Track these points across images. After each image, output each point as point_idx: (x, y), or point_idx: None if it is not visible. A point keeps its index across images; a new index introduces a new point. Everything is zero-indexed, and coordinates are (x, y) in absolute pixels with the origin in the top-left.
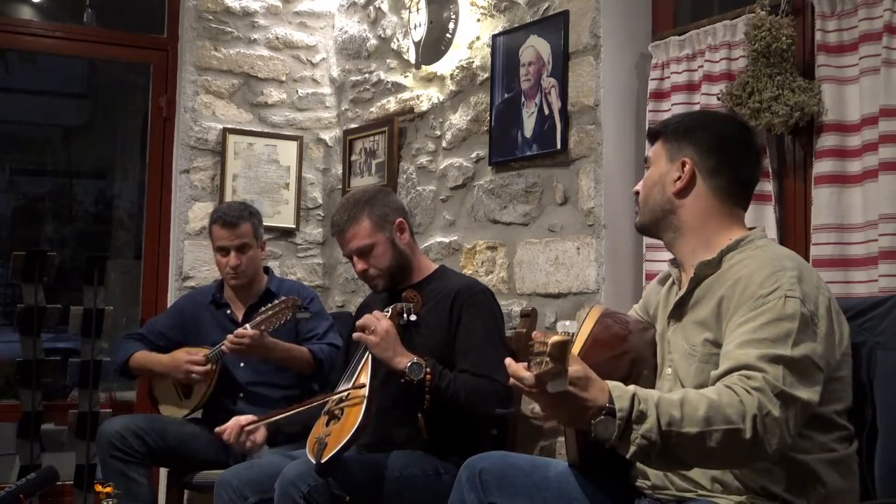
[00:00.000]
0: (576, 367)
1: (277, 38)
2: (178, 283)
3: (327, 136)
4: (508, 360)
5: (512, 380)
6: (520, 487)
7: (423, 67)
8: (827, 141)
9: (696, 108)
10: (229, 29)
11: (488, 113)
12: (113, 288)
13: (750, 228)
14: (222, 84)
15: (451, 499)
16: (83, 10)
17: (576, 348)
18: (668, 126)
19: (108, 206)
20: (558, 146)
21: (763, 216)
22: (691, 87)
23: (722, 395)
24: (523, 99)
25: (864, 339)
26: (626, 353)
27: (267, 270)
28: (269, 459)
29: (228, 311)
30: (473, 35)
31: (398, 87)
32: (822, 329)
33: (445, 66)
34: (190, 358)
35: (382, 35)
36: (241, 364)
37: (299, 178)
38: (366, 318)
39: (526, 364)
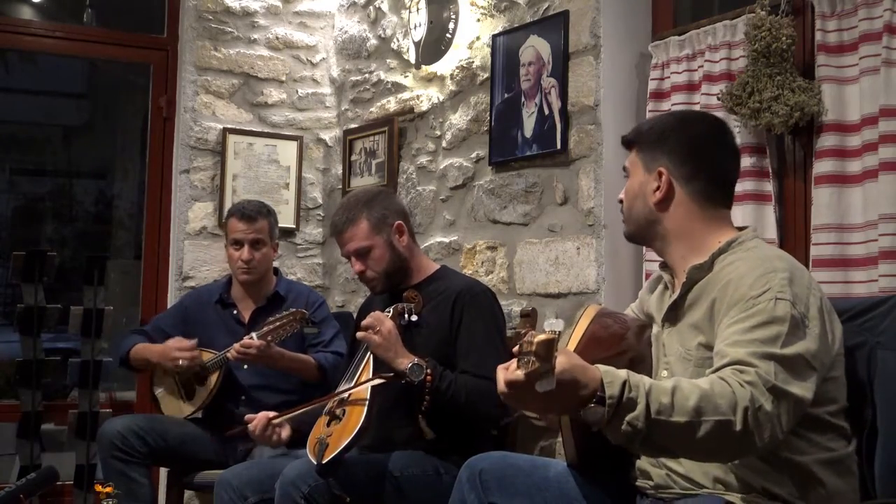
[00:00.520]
0: (562, 359)
1: (277, 38)
2: (178, 283)
3: (327, 136)
4: (498, 371)
5: (500, 387)
6: (520, 487)
7: (423, 67)
8: (827, 141)
9: (696, 108)
10: (229, 29)
11: (488, 113)
12: (113, 288)
13: (740, 228)
14: (222, 84)
15: (451, 499)
16: (83, 10)
17: (571, 347)
18: (640, 134)
19: (108, 206)
20: (558, 146)
21: (763, 216)
22: (691, 87)
23: (714, 385)
24: (523, 99)
25: (864, 339)
26: (624, 353)
27: (276, 272)
28: (270, 459)
29: (235, 312)
30: (473, 35)
31: (398, 87)
32: (816, 329)
33: (445, 66)
34: (177, 345)
35: (382, 35)
36: (245, 366)
37: (299, 178)
38: (369, 319)
39: (515, 363)
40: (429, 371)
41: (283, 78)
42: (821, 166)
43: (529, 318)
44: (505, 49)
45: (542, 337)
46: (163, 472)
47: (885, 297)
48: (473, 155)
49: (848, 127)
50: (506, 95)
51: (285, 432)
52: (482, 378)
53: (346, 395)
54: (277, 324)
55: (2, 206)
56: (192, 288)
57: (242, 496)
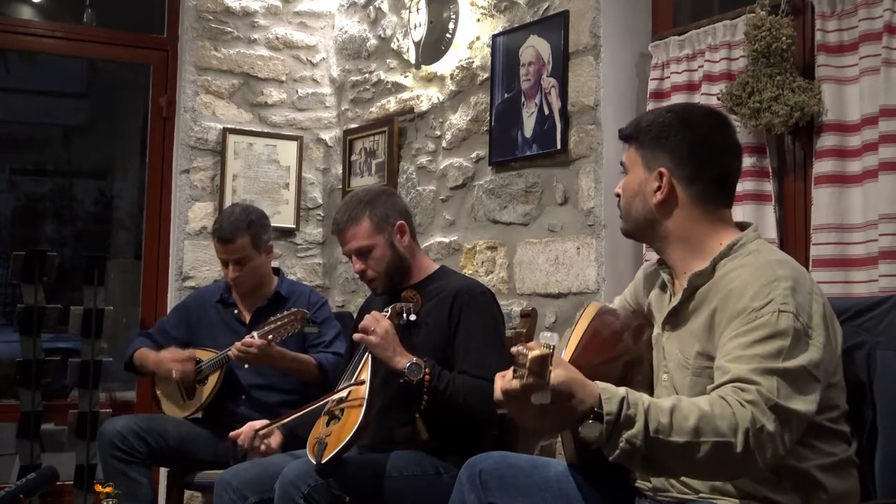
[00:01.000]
0: (558, 372)
1: (277, 38)
2: (178, 283)
3: (327, 136)
4: (496, 378)
5: (497, 394)
6: (520, 487)
7: (423, 67)
8: (827, 141)
9: None
10: (229, 29)
11: (488, 113)
12: (113, 288)
13: (740, 224)
14: (222, 84)
15: (451, 499)
16: (83, 10)
17: (568, 351)
18: (640, 130)
19: (108, 206)
20: (558, 146)
21: (763, 216)
22: (691, 87)
23: (714, 405)
24: (523, 99)
25: (864, 339)
26: (621, 357)
27: (277, 272)
28: (270, 459)
29: (236, 312)
30: (473, 35)
31: (398, 87)
32: (820, 338)
33: (445, 66)
34: (171, 355)
35: (382, 35)
36: (245, 366)
37: (299, 178)
38: (366, 320)
39: (511, 372)
40: (427, 370)
41: (283, 78)
42: (821, 166)
43: (529, 318)
44: (505, 49)
45: (535, 353)
46: (163, 472)
47: (884, 297)
48: (473, 155)
49: (848, 127)
50: (506, 95)
51: (275, 440)
52: (480, 378)
53: (344, 393)
54: (279, 323)
55: (2, 206)
56: (192, 288)
57: (242, 496)
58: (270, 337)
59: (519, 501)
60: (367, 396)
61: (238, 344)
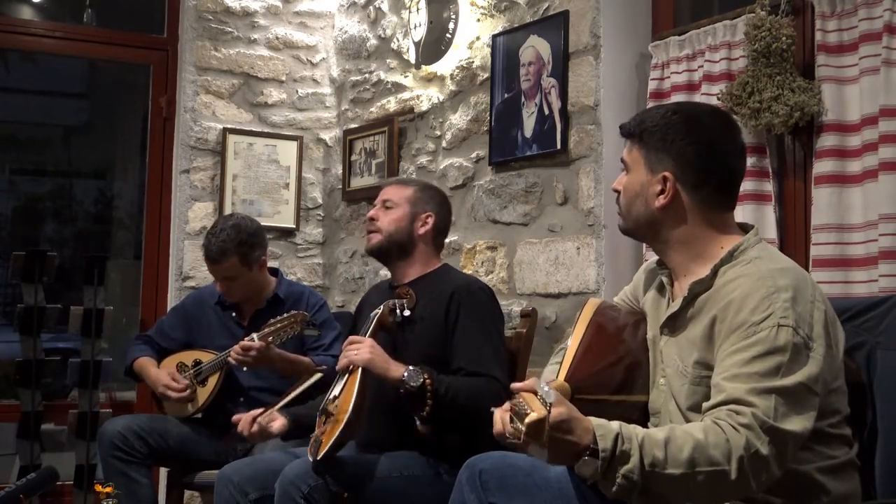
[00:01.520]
0: (559, 410)
1: (277, 38)
2: (178, 283)
3: (327, 136)
4: (496, 412)
5: (497, 428)
6: (520, 487)
7: (423, 67)
8: (827, 141)
9: None
10: (229, 29)
11: (488, 113)
12: (113, 288)
13: (742, 226)
14: (222, 84)
15: (451, 499)
16: (83, 10)
17: (576, 339)
18: (644, 129)
19: (108, 206)
20: (558, 146)
21: (763, 216)
22: (691, 87)
23: (709, 433)
24: (523, 99)
25: (864, 339)
26: (622, 359)
27: (276, 272)
28: (270, 455)
29: (234, 314)
30: (473, 35)
31: (398, 87)
32: (820, 350)
33: (445, 66)
34: (167, 382)
35: (382, 35)
36: (245, 368)
37: (299, 178)
38: (348, 344)
39: (508, 418)
40: (426, 375)
41: (283, 78)
42: (821, 166)
43: (529, 318)
44: (505, 49)
45: (532, 418)
46: (163, 472)
47: (884, 297)
48: (473, 155)
49: (848, 127)
50: (506, 95)
51: (278, 423)
52: (477, 375)
53: (337, 391)
54: (278, 326)
55: (2, 206)
56: (192, 288)
57: (243, 492)
58: (270, 339)
59: (519, 501)
60: (356, 391)
61: (236, 347)
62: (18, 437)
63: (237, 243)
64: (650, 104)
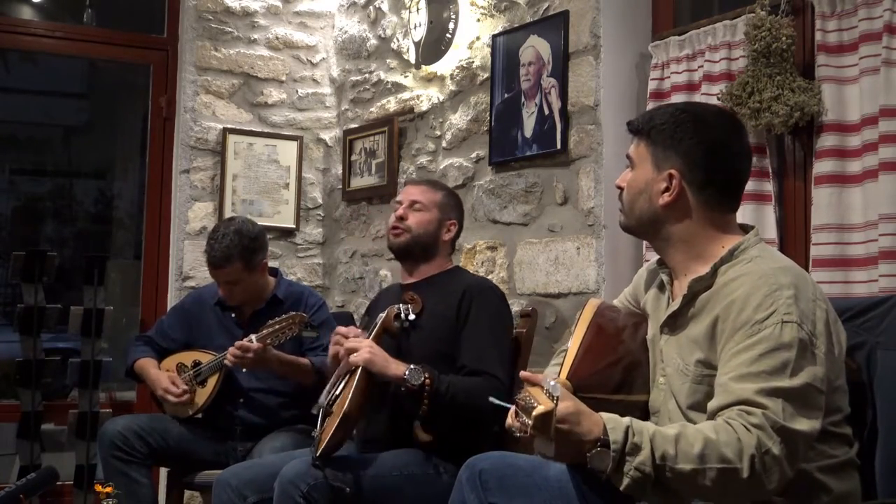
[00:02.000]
0: (566, 404)
1: (277, 38)
2: (178, 283)
3: (327, 136)
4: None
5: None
6: (520, 487)
7: (423, 67)
8: (827, 141)
9: None
10: (229, 29)
11: (488, 113)
12: (113, 288)
13: (742, 226)
14: (222, 84)
15: (451, 499)
16: (83, 10)
17: (576, 340)
18: (652, 126)
19: (108, 206)
20: (558, 146)
21: (763, 216)
22: (691, 87)
23: (720, 432)
24: (523, 99)
25: (864, 339)
26: (621, 360)
27: (275, 272)
28: (269, 459)
29: (234, 315)
30: (473, 35)
31: (398, 87)
32: (823, 348)
33: (445, 66)
34: (167, 386)
35: (382, 35)
36: (244, 369)
37: (299, 178)
38: (348, 344)
39: (514, 411)
40: (426, 374)
41: (283, 78)
42: (821, 166)
43: (529, 318)
44: (505, 49)
45: (540, 410)
46: (163, 472)
47: (885, 297)
48: (473, 155)
49: (848, 127)
50: (506, 95)
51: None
52: (479, 373)
53: (338, 390)
54: (277, 327)
55: (2, 206)
56: (192, 288)
57: (241, 496)
58: (268, 340)
59: (519, 501)
60: (353, 386)
61: (233, 349)
62: (18, 437)
63: (241, 249)
64: (650, 104)
